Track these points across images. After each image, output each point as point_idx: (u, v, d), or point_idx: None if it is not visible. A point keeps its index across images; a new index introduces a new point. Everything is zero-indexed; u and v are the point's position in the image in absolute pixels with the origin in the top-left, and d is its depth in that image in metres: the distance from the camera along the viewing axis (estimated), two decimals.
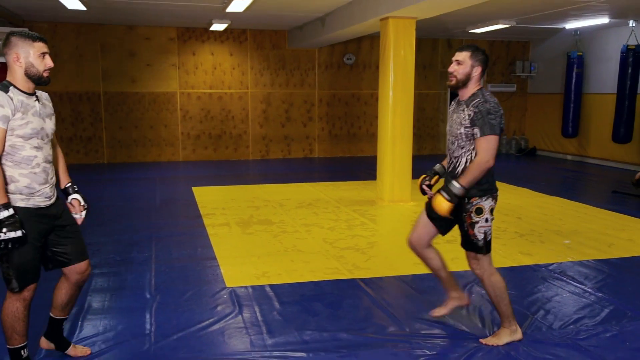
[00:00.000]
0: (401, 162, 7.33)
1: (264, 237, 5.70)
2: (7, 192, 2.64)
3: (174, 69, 11.48)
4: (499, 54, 13.26)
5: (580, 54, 11.31)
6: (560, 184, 9.25)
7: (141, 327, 3.51)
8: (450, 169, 3.27)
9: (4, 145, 2.63)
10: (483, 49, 3.20)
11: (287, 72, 12.11)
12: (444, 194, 3.06)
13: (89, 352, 3.14)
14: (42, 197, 2.77)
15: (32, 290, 2.78)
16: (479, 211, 3.14)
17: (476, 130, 3.06)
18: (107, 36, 11.08)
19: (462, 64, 3.11)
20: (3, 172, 2.64)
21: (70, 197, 3.02)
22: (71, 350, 3.11)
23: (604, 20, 9.76)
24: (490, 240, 3.20)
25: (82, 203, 3.02)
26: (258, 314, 3.73)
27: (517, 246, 5.40)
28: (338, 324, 3.59)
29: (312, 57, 12.22)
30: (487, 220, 3.16)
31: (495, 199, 3.22)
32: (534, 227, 6.12)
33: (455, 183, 3.04)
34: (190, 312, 3.75)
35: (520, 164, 11.82)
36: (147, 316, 3.67)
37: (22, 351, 2.84)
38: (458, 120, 3.17)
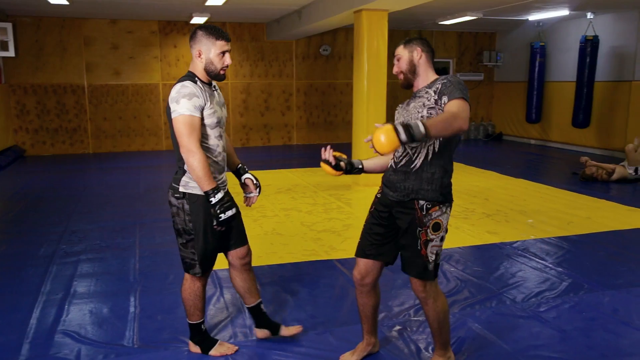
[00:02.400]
0: None
1: (244, 222, 5.62)
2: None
3: (156, 61, 11.30)
4: (468, 45, 13.31)
5: (543, 44, 11.39)
6: (524, 167, 9.35)
7: (126, 309, 3.48)
8: (402, 162, 2.58)
9: (200, 134, 2.60)
10: (414, 37, 2.72)
11: (266, 63, 12.01)
12: (399, 127, 2.14)
13: (300, 329, 3.06)
14: (222, 185, 2.75)
15: (208, 274, 2.87)
16: (437, 227, 2.52)
17: (444, 99, 2.40)
18: (91, 30, 10.85)
19: (401, 58, 2.63)
20: (206, 158, 2.59)
21: (243, 177, 2.96)
22: (284, 331, 3.03)
23: (564, 12, 9.84)
24: (439, 263, 2.59)
25: (255, 182, 2.97)
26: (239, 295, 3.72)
27: (485, 226, 5.45)
28: (315, 302, 3.60)
29: (290, 48, 12.13)
30: (442, 238, 2.55)
31: (450, 209, 2.60)
32: (500, 208, 6.19)
33: (419, 123, 2.15)
34: (174, 295, 3.71)
35: (487, 148, 11.92)
36: (132, 299, 3.64)
37: (201, 326, 2.93)
38: (420, 103, 2.53)
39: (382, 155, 2.25)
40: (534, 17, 10.63)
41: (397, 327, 3.24)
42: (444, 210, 2.54)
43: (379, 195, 2.75)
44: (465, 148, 12.00)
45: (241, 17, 10.87)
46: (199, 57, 2.65)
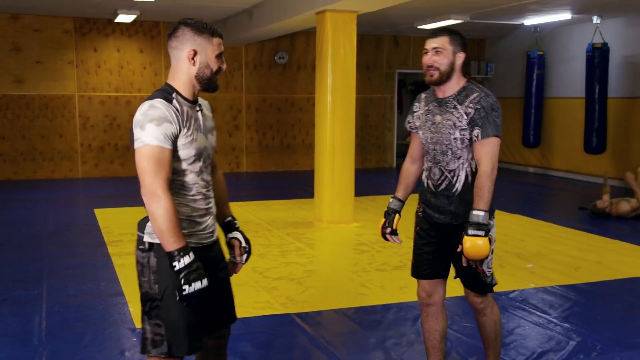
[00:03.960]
0: (342, 177, 7.39)
1: None
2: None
3: (71, 67, 11.21)
4: None
5: (541, 53, 11.76)
6: (521, 200, 9.56)
7: None
8: (442, 186, 2.98)
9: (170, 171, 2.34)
10: (457, 30, 2.96)
11: None
12: (477, 231, 2.75)
13: None
14: (206, 232, 2.50)
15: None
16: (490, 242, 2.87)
17: (477, 132, 2.81)
18: None
19: (443, 52, 2.84)
20: (175, 207, 2.30)
21: (229, 236, 2.68)
22: None
23: (566, 16, 10.21)
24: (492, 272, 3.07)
25: (243, 244, 2.67)
26: None
27: None
28: None
29: (239, 55, 12.23)
30: (492, 251, 2.96)
31: (494, 218, 3.03)
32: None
33: (477, 212, 2.77)
34: None
35: None
36: None
37: None
38: (449, 122, 2.89)
39: (475, 259, 2.81)
40: (530, 21, 11.02)
41: None
42: (492, 223, 2.94)
43: (420, 214, 3.14)
44: None
45: (178, 16, 10.79)
46: (192, 59, 2.38)
